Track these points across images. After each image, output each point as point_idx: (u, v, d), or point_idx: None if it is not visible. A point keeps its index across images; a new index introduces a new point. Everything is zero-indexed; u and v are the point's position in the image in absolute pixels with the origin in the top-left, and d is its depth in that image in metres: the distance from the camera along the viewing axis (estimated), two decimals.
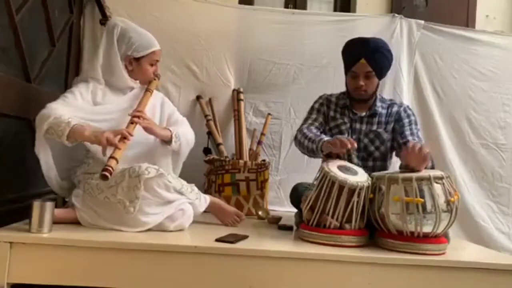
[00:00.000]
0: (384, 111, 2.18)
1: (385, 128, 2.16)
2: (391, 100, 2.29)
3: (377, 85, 2.15)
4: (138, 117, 1.83)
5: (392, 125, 2.17)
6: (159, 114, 2.09)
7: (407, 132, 2.10)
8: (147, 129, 1.87)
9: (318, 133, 2.07)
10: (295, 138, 2.15)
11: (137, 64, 2.01)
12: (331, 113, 2.21)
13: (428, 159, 1.75)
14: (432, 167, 1.93)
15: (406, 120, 2.15)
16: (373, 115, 2.17)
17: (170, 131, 1.97)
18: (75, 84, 1.98)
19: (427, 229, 1.65)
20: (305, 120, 2.22)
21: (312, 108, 2.25)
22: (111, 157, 1.67)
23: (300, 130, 2.14)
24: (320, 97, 2.28)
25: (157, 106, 2.10)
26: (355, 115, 2.18)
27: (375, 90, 2.15)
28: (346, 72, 2.17)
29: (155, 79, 2.07)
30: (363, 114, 2.17)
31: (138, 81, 2.04)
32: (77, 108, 1.84)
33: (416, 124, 2.18)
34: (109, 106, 1.95)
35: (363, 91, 2.11)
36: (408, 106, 2.27)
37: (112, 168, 1.63)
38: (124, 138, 1.73)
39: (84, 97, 1.91)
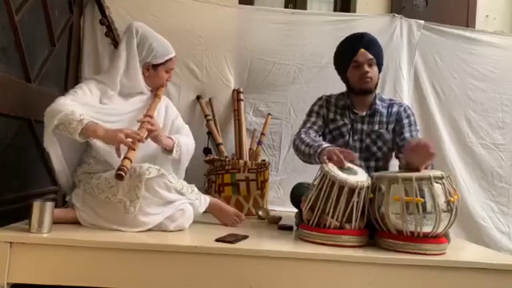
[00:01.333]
0: (384, 111, 2.18)
1: (387, 128, 2.16)
2: (390, 99, 2.28)
3: (377, 77, 2.16)
4: (148, 122, 1.83)
5: (393, 126, 2.17)
6: (163, 118, 2.08)
7: (407, 134, 2.10)
8: (154, 137, 1.86)
9: (317, 138, 2.06)
10: (293, 143, 2.13)
11: (153, 71, 2.00)
12: (331, 115, 2.20)
13: (432, 158, 1.74)
14: (431, 167, 1.94)
15: (405, 121, 2.15)
16: (373, 114, 2.17)
17: (173, 140, 1.97)
18: (85, 80, 1.97)
19: (427, 229, 1.65)
20: (304, 123, 2.20)
21: (311, 110, 2.24)
22: (125, 157, 1.67)
23: (298, 134, 2.12)
24: (320, 99, 2.26)
25: (161, 109, 2.08)
26: (356, 115, 2.17)
27: (376, 83, 2.15)
28: (345, 69, 2.15)
29: (163, 86, 2.07)
30: (364, 113, 2.17)
31: (150, 88, 2.05)
32: (86, 105, 1.83)
33: (415, 124, 2.17)
34: (117, 107, 1.94)
35: (369, 78, 2.10)
36: (408, 106, 2.27)
37: (127, 168, 1.63)
38: (137, 141, 1.72)
39: (94, 94, 1.89)
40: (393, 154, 2.21)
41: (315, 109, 2.22)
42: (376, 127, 2.16)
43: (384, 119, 2.17)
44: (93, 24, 2.75)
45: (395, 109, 2.19)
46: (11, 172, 1.94)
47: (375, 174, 1.82)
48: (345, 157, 1.81)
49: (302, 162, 2.09)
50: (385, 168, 2.17)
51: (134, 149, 1.70)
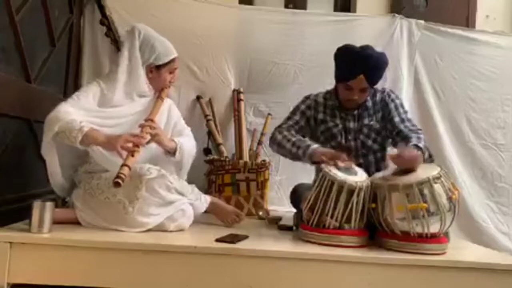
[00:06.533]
0: (370, 103, 2.12)
1: (376, 118, 2.11)
2: (374, 89, 2.19)
3: (368, 94, 2.10)
4: (150, 126, 1.82)
5: (380, 114, 2.11)
6: (166, 121, 2.07)
7: (396, 119, 2.04)
8: (157, 140, 1.86)
9: (302, 138, 2.01)
10: (272, 137, 2.08)
11: (157, 72, 1.99)
12: (320, 116, 2.14)
13: (419, 159, 1.74)
14: (430, 157, 1.93)
15: (392, 106, 2.09)
16: (363, 110, 2.12)
17: (175, 142, 1.96)
18: (88, 83, 1.96)
19: (434, 229, 1.65)
20: (287, 119, 2.15)
21: (297, 108, 2.18)
22: (124, 164, 1.65)
23: (279, 130, 2.08)
24: (308, 98, 2.20)
25: (164, 112, 2.07)
26: (347, 114, 2.13)
27: (366, 99, 2.11)
28: (338, 80, 2.09)
29: (166, 87, 2.06)
30: (355, 112, 2.12)
31: (154, 91, 2.03)
32: (87, 110, 1.82)
33: (402, 106, 2.12)
34: (119, 110, 1.93)
35: (355, 102, 2.07)
36: (391, 90, 2.20)
37: (125, 176, 1.61)
38: (137, 145, 1.71)
39: (96, 98, 1.89)
40: (390, 142, 2.16)
41: (302, 108, 2.17)
42: (366, 121, 2.11)
43: (372, 111, 2.12)
44: (93, 24, 2.75)
45: (378, 96, 2.13)
46: (11, 172, 1.94)
47: (374, 181, 1.76)
48: (333, 158, 1.81)
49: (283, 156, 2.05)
50: (384, 158, 2.12)
51: (133, 156, 1.69)
